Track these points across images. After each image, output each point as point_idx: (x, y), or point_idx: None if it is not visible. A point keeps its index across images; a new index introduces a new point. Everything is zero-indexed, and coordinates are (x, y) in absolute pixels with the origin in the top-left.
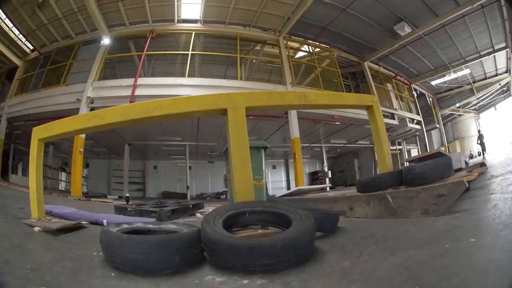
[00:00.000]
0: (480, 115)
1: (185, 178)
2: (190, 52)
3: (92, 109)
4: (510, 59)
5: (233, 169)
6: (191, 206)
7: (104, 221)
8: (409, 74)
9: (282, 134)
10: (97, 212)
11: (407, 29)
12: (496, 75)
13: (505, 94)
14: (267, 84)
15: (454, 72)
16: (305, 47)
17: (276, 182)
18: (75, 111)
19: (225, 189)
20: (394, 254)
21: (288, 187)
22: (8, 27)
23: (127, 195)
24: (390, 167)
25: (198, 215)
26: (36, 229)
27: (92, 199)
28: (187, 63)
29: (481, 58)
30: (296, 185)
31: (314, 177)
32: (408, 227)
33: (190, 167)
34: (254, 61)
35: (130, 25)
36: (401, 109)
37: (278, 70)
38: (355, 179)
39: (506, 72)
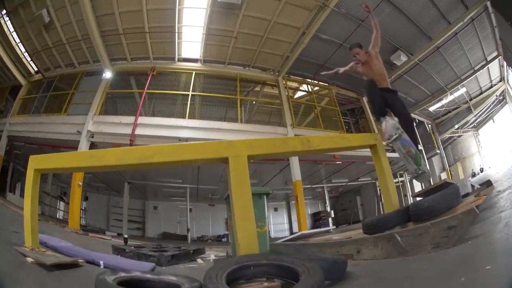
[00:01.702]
0: (479, 131)
1: (185, 220)
2: (190, 93)
3: (92, 143)
4: (502, 66)
5: (235, 220)
6: (191, 251)
7: (101, 262)
8: (407, 104)
9: (283, 177)
10: (94, 250)
11: (403, 58)
12: (491, 86)
13: (502, 103)
14: (267, 126)
15: (451, 94)
16: (304, 87)
17: (278, 225)
18: (75, 143)
19: (227, 232)
20: None
21: (291, 229)
22: (15, 41)
23: (126, 236)
24: (397, 204)
25: (199, 260)
26: (29, 260)
27: (90, 234)
28: (187, 104)
29: (475, 73)
30: (299, 229)
31: (317, 218)
32: (419, 265)
33: (190, 209)
34: (254, 102)
35: (132, 61)
36: None
37: (277, 111)
38: (358, 216)
39: (500, 81)
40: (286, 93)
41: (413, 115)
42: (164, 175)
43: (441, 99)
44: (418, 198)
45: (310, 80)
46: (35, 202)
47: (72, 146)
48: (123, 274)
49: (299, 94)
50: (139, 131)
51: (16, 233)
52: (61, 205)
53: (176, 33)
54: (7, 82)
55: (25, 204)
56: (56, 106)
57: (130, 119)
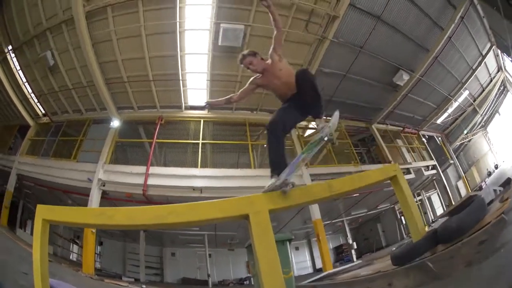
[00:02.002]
0: (488, 128)
1: (205, 265)
2: (200, 141)
3: (104, 192)
4: (497, 55)
5: (262, 276)
6: None
7: None
8: (415, 122)
9: (302, 216)
10: None
11: (405, 77)
12: (491, 80)
13: (504, 93)
14: None
15: (455, 100)
16: (313, 124)
17: (301, 263)
18: (86, 190)
19: (248, 275)
20: None
21: (314, 266)
22: (22, 81)
23: (144, 287)
24: (424, 231)
25: None
26: None
27: (106, 280)
28: (198, 153)
29: (474, 72)
30: (323, 267)
31: (339, 251)
32: (456, 286)
33: (210, 255)
34: (265, 145)
35: (139, 109)
36: (415, 161)
37: (289, 152)
38: (381, 243)
39: (498, 71)
40: (297, 133)
41: (423, 132)
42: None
43: (447, 109)
44: (442, 219)
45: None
46: (45, 251)
47: (84, 193)
48: None
49: (308, 132)
50: (151, 181)
51: (25, 274)
52: (74, 247)
53: (181, 81)
54: (16, 120)
55: (34, 253)
56: (65, 151)
57: (141, 169)
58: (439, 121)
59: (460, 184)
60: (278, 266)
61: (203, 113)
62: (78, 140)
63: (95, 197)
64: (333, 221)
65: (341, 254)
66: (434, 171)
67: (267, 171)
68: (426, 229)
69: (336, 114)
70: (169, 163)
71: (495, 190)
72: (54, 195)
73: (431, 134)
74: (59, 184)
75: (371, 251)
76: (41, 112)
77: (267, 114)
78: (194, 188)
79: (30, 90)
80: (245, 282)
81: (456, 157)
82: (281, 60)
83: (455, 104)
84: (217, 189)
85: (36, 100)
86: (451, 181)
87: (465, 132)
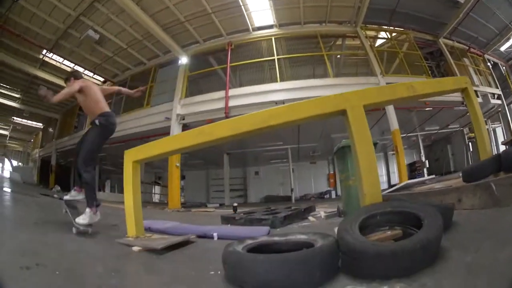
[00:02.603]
0: None
1: (288, 181)
2: (276, 57)
3: (184, 125)
4: None
5: (360, 171)
6: (303, 210)
7: (215, 234)
8: (479, 44)
9: (380, 127)
10: (201, 224)
11: None
12: None
13: None
14: (358, 78)
15: None
16: (382, 34)
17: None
18: (164, 130)
19: (329, 189)
20: (506, 247)
21: (389, 181)
22: (70, 67)
23: (235, 204)
24: (490, 151)
25: (311, 218)
26: (135, 248)
27: (192, 210)
28: (275, 68)
29: None
30: (400, 180)
31: (412, 168)
32: None
33: (293, 170)
34: (338, 56)
35: (205, 42)
36: (482, 85)
37: (363, 62)
38: (449, 167)
39: None
40: (369, 43)
41: (487, 56)
42: (265, 140)
43: (510, 38)
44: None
45: (386, 27)
46: (137, 191)
47: (162, 133)
48: (249, 242)
49: (379, 42)
50: (232, 102)
51: (114, 225)
52: (157, 189)
53: (242, 6)
54: (74, 102)
55: (125, 196)
56: (135, 103)
57: (220, 93)
58: (502, 48)
59: None
60: (374, 162)
61: (273, 31)
62: (148, 87)
63: (176, 132)
64: (408, 134)
65: (414, 172)
66: (499, 101)
67: (344, 80)
68: None
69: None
70: (246, 84)
71: None
72: (130, 146)
73: (496, 60)
74: (135, 133)
75: (440, 173)
76: (100, 81)
77: (336, 25)
78: (276, 102)
79: (82, 69)
80: (325, 196)
81: None
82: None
83: None
84: (298, 100)
85: (91, 74)
86: None
87: None
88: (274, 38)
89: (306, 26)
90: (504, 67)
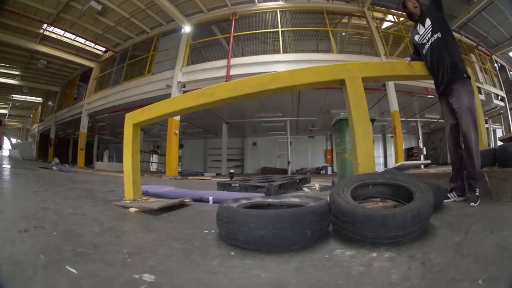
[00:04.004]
0: None
1: (285, 153)
2: (280, 29)
3: (185, 92)
4: None
5: (355, 140)
6: (298, 180)
7: (210, 198)
8: (488, 43)
9: (380, 108)
10: (197, 190)
11: None
12: None
13: None
14: (362, 56)
15: None
16: (390, 17)
17: (375, 158)
18: (164, 97)
19: (325, 164)
20: (493, 233)
21: (385, 163)
22: (71, 39)
23: (232, 171)
24: (486, 144)
25: (305, 189)
26: (132, 210)
27: (189, 177)
28: (279, 40)
29: None
30: (396, 161)
31: (410, 153)
32: (501, 210)
33: (290, 143)
34: (343, 34)
35: (209, 11)
36: (486, 83)
37: (367, 41)
38: (446, 158)
39: None
40: (375, 24)
41: (495, 58)
42: (264, 110)
43: None
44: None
45: (394, 11)
46: (136, 155)
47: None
48: (244, 201)
49: (385, 25)
50: (234, 71)
51: (111, 191)
52: (154, 158)
53: None
54: (74, 73)
55: (124, 159)
56: (136, 71)
57: (222, 62)
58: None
59: None
60: (370, 133)
61: (278, 3)
62: (150, 55)
63: None
64: (408, 119)
65: (411, 158)
66: (502, 104)
67: (347, 57)
68: None
69: None
70: (248, 54)
71: None
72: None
73: (503, 63)
74: (135, 101)
75: (437, 163)
76: (102, 51)
77: (343, 2)
78: None
79: (83, 41)
80: (321, 172)
81: None
82: None
83: None
84: None
85: (93, 45)
86: None
87: None
88: (280, 11)
89: (312, 1)
90: (511, 72)
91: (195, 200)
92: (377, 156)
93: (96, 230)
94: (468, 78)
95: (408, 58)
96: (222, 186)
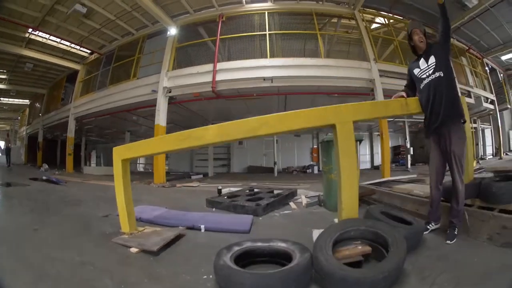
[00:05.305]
0: None
1: (271, 152)
2: (267, 32)
3: (171, 98)
4: None
5: (341, 185)
6: (285, 195)
7: (202, 226)
8: (480, 47)
9: None
10: (188, 205)
11: (475, 1)
12: None
13: None
14: (350, 61)
15: None
16: (380, 19)
17: (361, 156)
18: (150, 102)
19: (312, 163)
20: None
21: (372, 162)
22: (56, 41)
23: (220, 187)
24: (472, 175)
25: (292, 205)
26: (133, 250)
27: (177, 184)
28: (266, 44)
29: None
30: (382, 163)
31: (396, 152)
32: (474, 254)
33: (277, 141)
34: (332, 34)
35: (195, 12)
36: (476, 87)
37: (356, 41)
38: None
39: None
40: (364, 26)
41: (486, 61)
42: (251, 112)
43: None
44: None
45: (385, 13)
46: (128, 188)
47: (149, 104)
48: (236, 248)
49: (374, 25)
50: (220, 76)
51: (105, 217)
52: (141, 159)
53: None
54: (61, 75)
55: (117, 193)
56: (122, 74)
57: (208, 67)
58: (503, 58)
59: None
60: (356, 179)
61: (267, 5)
62: (135, 58)
63: (162, 105)
64: (395, 119)
65: (398, 156)
66: (492, 106)
67: (336, 61)
68: (474, 164)
69: None
70: (235, 58)
71: None
72: (117, 117)
73: (495, 66)
74: (122, 106)
75: (424, 161)
76: (87, 53)
77: (333, 4)
78: (264, 78)
79: (68, 43)
80: (307, 171)
81: None
82: None
83: None
84: (287, 78)
85: (78, 47)
86: (505, 126)
87: None
88: (268, 13)
89: (302, 3)
90: (502, 74)
91: (188, 228)
92: (364, 154)
93: (108, 284)
94: (464, 123)
95: (403, 93)
96: (211, 204)
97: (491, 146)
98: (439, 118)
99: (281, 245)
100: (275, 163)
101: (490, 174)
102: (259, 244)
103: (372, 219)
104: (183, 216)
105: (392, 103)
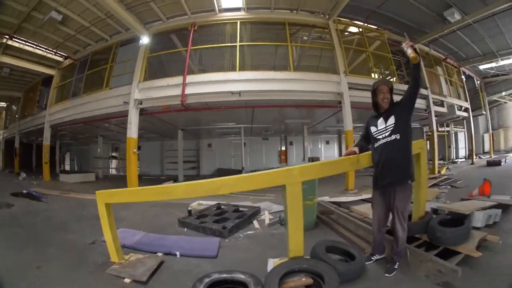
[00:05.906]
0: None
1: (239, 154)
2: (238, 44)
3: (142, 109)
4: None
5: (289, 232)
6: (249, 215)
7: (177, 253)
8: (458, 57)
9: (336, 117)
10: (162, 225)
11: (457, 16)
12: None
13: None
14: (320, 74)
15: (502, 59)
16: (354, 29)
17: (329, 158)
18: (123, 113)
19: (280, 165)
20: None
21: None
22: (32, 46)
23: (189, 208)
24: (423, 211)
25: (256, 224)
26: (127, 280)
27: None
28: (236, 56)
29: None
30: (347, 185)
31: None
32: None
33: (244, 144)
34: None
35: (168, 20)
36: (450, 96)
37: (327, 53)
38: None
39: None
40: (337, 38)
41: (463, 69)
42: (219, 120)
43: (492, 62)
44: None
45: (360, 23)
46: (113, 225)
47: (121, 115)
48: (207, 280)
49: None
50: (189, 90)
51: (92, 244)
52: (113, 163)
53: None
54: (36, 79)
55: (104, 231)
56: (96, 82)
57: (178, 79)
58: (482, 67)
59: (486, 137)
60: (301, 229)
61: (239, 14)
62: (108, 66)
63: (133, 117)
64: (364, 125)
65: None
66: (465, 114)
67: (306, 75)
68: (443, 170)
69: None
70: (206, 69)
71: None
72: (92, 126)
73: (471, 74)
74: (96, 116)
75: None
76: (62, 58)
77: (307, 14)
78: (232, 92)
79: (44, 48)
80: None
81: (489, 109)
82: None
83: (501, 62)
84: (255, 92)
85: (53, 52)
86: (479, 129)
87: (503, 93)
88: (240, 22)
89: (275, 12)
90: (478, 82)
91: (165, 254)
92: (332, 156)
93: None
94: (412, 181)
95: (356, 149)
96: (183, 224)
97: (464, 149)
98: (387, 180)
99: (241, 276)
100: (243, 168)
101: (445, 211)
102: (224, 275)
103: (316, 257)
104: (161, 241)
105: (343, 162)
